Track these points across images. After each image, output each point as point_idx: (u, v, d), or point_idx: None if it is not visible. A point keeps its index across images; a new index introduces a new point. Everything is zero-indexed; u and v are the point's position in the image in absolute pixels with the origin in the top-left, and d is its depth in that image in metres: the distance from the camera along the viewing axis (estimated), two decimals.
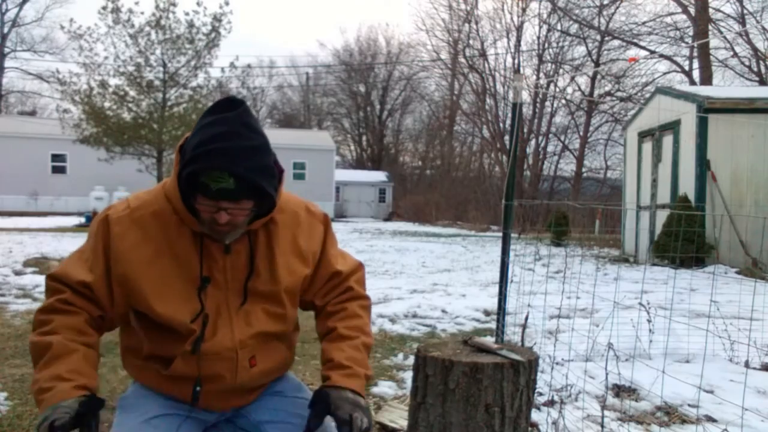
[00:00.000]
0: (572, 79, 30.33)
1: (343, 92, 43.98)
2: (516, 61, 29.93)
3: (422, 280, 7.62)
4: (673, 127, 10.01)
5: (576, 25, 26.86)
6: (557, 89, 29.90)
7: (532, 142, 31.00)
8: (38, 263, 7.64)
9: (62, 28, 18.10)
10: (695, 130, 9.31)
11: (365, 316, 1.58)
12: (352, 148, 46.33)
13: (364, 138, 45.74)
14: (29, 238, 12.44)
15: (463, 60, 32.57)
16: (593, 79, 28.22)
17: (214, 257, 1.42)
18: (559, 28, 28.22)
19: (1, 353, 3.78)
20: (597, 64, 27.43)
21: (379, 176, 36.44)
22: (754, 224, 8.35)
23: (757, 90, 13.44)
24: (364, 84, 43.32)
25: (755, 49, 20.72)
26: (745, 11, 21.08)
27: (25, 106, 39.92)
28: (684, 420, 2.71)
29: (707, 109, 9.18)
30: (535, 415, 2.66)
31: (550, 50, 29.72)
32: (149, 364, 1.48)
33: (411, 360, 3.72)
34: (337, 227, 22.19)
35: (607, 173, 29.90)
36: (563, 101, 30.30)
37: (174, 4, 18.01)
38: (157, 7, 17.83)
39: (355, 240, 15.39)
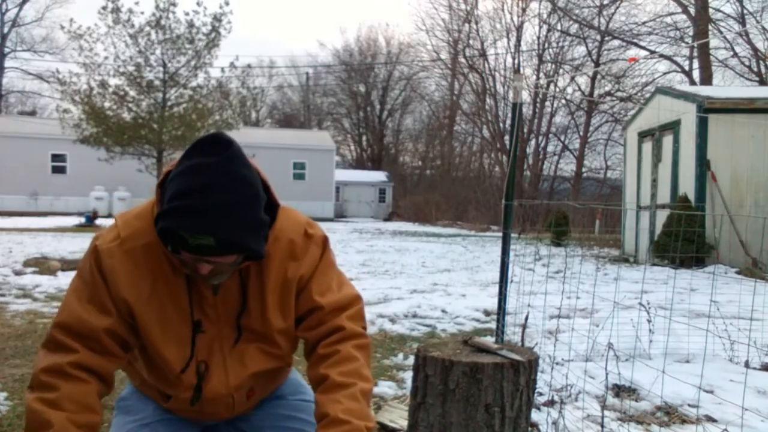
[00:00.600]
0: (572, 79, 30.36)
1: (343, 92, 44.01)
2: (516, 61, 29.96)
3: (422, 280, 7.62)
4: (673, 127, 10.01)
5: (576, 25, 26.87)
6: (557, 89, 29.92)
7: (532, 142, 31.01)
8: (38, 263, 7.64)
9: (62, 28, 18.09)
10: (695, 130, 9.31)
11: (362, 358, 1.39)
12: (352, 148, 46.38)
13: (364, 138, 45.78)
14: (29, 238, 12.44)
15: (463, 60, 32.60)
16: (593, 79, 28.22)
17: (204, 295, 1.34)
18: (559, 28, 28.23)
19: (1, 353, 3.78)
20: (597, 64, 27.44)
21: (379, 176, 36.45)
22: (754, 224, 8.35)
23: (757, 90, 13.44)
24: (364, 84, 43.33)
25: (755, 49, 20.72)
26: (745, 11, 21.09)
27: (25, 106, 39.94)
28: (684, 420, 2.71)
29: (707, 109, 9.18)
30: (535, 415, 2.66)
31: (550, 50, 29.75)
32: (149, 385, 1.46)
33: (411, 360, 3.72)
34: (337, 227, 22.20)
35: (607, 173, 29.92)
36: (563, 101, 30.33)
37: (174, 4, 18.01)
38: (157, 7, 17.83)
39: (355, 240, 15.39)
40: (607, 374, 2.54)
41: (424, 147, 42.89)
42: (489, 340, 1.84)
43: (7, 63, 37.37)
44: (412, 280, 7.70)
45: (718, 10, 21.41)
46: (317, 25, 76.61)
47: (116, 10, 17.60)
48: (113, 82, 18.24)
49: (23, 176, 25.29)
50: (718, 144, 9.24)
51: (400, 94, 43.48)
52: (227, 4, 18.31)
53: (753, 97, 9.54)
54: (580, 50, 28.90)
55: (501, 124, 30.50)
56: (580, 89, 31.12)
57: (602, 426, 2.40)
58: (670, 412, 2.78)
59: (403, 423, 2.54)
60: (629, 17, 30.14)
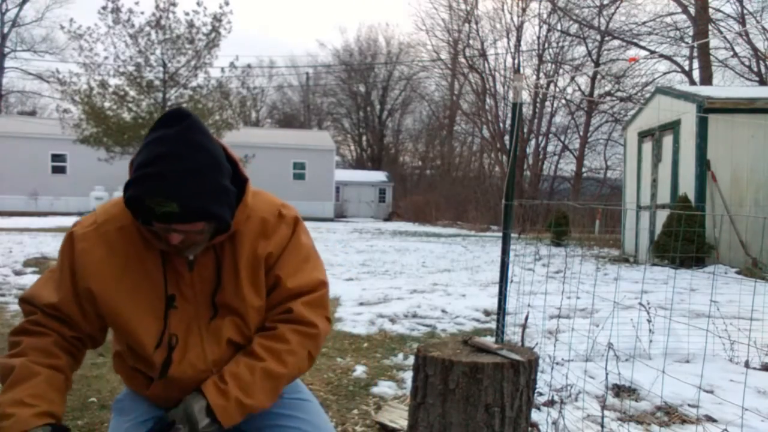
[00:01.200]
0: (572, 79, 30.35)
1: (343, 92, 44.03)
2: (516, 61, 29.95)
3: (422, 280, 7.62)
4: (673, 127, 10.01)
5: (576, 25, 26.86)
6: (557, 89, 29.92)
7: (532, 142, 31.00)
8: (38, 263, 7.64)
9: (62, 28, 18.08)
10: (695, 130, 9.31)
11: (294, 343, 1.38)
12: (352, 148, 46.40)
13: (364, 138, 45.79)
14: (29, 238, 12.44)
15: (463, 60, 32.60)
16: (593, 79, 28.22)
17: (180, 272, 1.38)
18: (559, 28, 28.23)
19: (1, 353, 3.77)
20: (597, 64, 27.44)
21: (379, 176, 36.46)
22: (754, 224, 8.35)
23: (757, 90, 13.43)
24: (364, 84, 43.35)
25: (755, 49, 20.71)
26: (745, 11, 21.08)
27: (25, 106, 39.96)
28: (684, 420, 2.71)
29: (707, 109, 9.18)
30: (535, 415, 2.66)
31: (550, 50, 29.74)
32: (136, 373, 1.47)
33: (411, 360, 3.72)
34: (337, 227, 22.20)
35: (607, 173, 29.92)
36: (563, 101, 30.33)
37: (174, 4, 18.00)
38: (157, 7, 17.83)
39: (355, 240, 15.39)
40: (607, 374, 2.54)
41: (424, 147, 42.95)
42: (489, 340, 1.84)
43: (7, 63, 37.42)
44: (412, 280, 7.70)
45: (718, 10, 21.43)
46: (317, 25, 76.66)
47: (116, 10, 17.60)
48: (113, 82, 18.25)
49: (23, 176, 25.29)
50: (718, 144, 9.24)
51: (400, 94, 43.54)
52: (227, 4, 18.30)
53: (753, 97, 9.54)
54: (580, 50, 28.94)
55: (501, 124, 30.51)
56: (580, 89, 31.16)
57: (602, 426, 2.40)
58: (670, 412, 2.78)
59: (403, 423, 2.54)
60: (629, 17, 30.22)
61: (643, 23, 24.09)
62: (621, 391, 3.06)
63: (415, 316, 5.27)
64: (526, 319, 3.46)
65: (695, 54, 22.69)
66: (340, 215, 32.45)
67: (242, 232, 1.40)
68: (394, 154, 44.63)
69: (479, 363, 1.63)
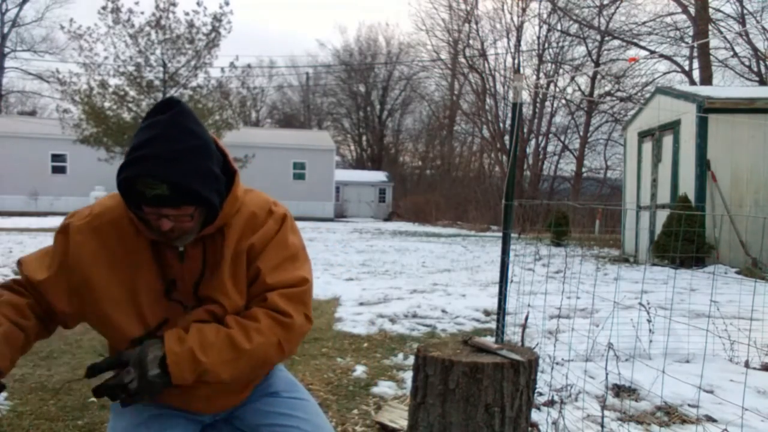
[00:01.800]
0: (572, 79, 30.36)
1: (343, 92, 44.03)
2: (516, 61, 29.96)
3: (422, 280, 7.62)
4: (673, 127, 10.01)
5: (576, 25, 26.87)
6: (557, 89, 29.92)
7: (532, 142, 31.01)
8: None
9: (62, 28, 18.11)
10: (695, 130, 9.31)
11: (264, 325, 1.36)
12: (352, 148, 46.40)
13: (364, 138, 45.79)
14: (29, 238, 12.44)
15: (463, 60, 32.61)
16: (593, 79, 28.22)
17: (170, 264, 1.39)
18: (559, 28, 28.24)
19: None
20: (597, 64, 27.44)
21: (379, 176, 36.46)
22: (754, 224, 8.35)
23: (757, 90, 13.44)
24: (364, 84, 43.36)
25: (755, 49, 20.72)
26: (745, 11, 21.09)
27: (25, 106, 39.95)
28: (684, 420, 2.71)
29: (707, 109, 9.18)
30: (535, 415, 2.66)
31: (550, 50, 29.75)
32: None
33: (411, 360, 3.72)
34: (337, 227, 22.20)
35: (607, 173, 29.93)
36: (563, 101, 30.33)
37: (174, 4, 18.03)
38: (157, 7, 17.85)
39: (355, 240, 15.40)
40: (607, 374, 2.54)
41: (424, 147, 42.94)
42: (489, 340, 1.84)
43: (7, 63, 37.43)
44: (412, 280, 7.70)
45: (718, 10, 21.44)
46: (317, 25, 76.66)
47: (116, 10, 17.62)
48: (113, 82, 18.28)
49: (23, 176, 25.29)
50: (718, 144, 9.24)
51: (400, 94, 43.54)
52: (227, 4, 18.33)
53: (753, 97, 9.54)
54: (580, 50, 28.95)
55: (501, 124, 30.52)
56: (580, 89, 31.17)
57: (602, 426, 2.40)
58: (670, 412, 2.78)
59: (403, 423, 2.54)
60: (629, 17, 30.13)
61: (643, 23, 24.12)
62: (621, 391, 3.06)
63: (415, 316, 5.27)
64: (526, 319, 3.46)
65: (695, 54, 22.70)
66: (340, 215, 32.45)
67: (231, 225, 1.41)
68: (394, 154, 44.63)
69: (479, 363, 1.63)
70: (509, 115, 27.40)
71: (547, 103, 30.74)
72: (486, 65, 31.37)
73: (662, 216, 9.79)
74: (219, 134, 19.53)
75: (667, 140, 10.26)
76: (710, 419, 2.69)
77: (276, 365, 1.63)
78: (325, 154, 30.15)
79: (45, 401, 2.93)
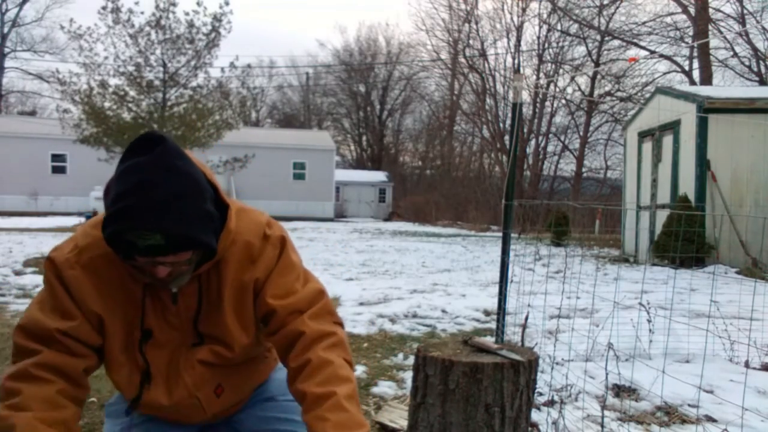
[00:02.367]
0: (572, 79, 30.35)
1: (343, 92, 44.03)
2: (516, 61, 29.95)
3: (422, 280, 7.62)
4: (673, 127, 10.01)
5: (576, 25, 26.86)
6: (557, 89, 29.91)
7: (532, 142, 31.00)
8: (38, 263, 7.64)
9: (62, 28, 18.08)
10: (695, 130, 9.31)
11: (336, 358, 1.30)
12: (352, 148, 46.39)
13: (364, 138, 45.79)
14: (29, 238, 12.44)
15: (463, 60, 32.59)
16: (593, 79, 28.21)
17: (164, 301, 1.33)
18: (559, 28, 28.23)
19: (1, 353, 3.77)
20: (597, 64, 27.43)
21: (379, 176, 36.46)
22: (754, 224, 8.35)
23: (757, 90, 13.44)
24: (364, 84, 43.35)
25: (755, 49, 20.71)
26: (745, 11, 21.08)
27: (25, 106, 39.94)
28: (684, 420, 2.71)
29: (707, 109, 9.18)
30: (535, 415, 2.66)
31: (550, 50, 29.73)
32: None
33: (411, 360, 3.72)
34: (337, 227, 22.20)
35: (607, 173, 29.92)
36: (563, 101, 30.33)
37: (174, 4, 18.01)
38: (157, 7, 17.83)
39: (355, 240, 15.39)
40: (607, 374, 2.54)
41: (424, 147, 42.93)
42: (489, 340, 1.84)
43: (7, 63, 37.40)
44: (412, 280, 7.70)
45: (718, 10, 21.43)
46: (317, 25, 76.66)
47: (116, 10, 17.60)
48: (113, 82, 18.24)
49: (23, 176, 25.29)
50: (718, 144, 9.24)
51: (400, 94, 43.53)
52: (227, 4, 18.31)
53: (753, 97, 9.54)
54: (580, 50, 28.93)
55: (501, 124, 30.50)
56: (580, 89, 31.16)
57: (602, 426, 2.40)
58: (670, 412, 2.78)
59: (403, 423, 2.54)
60: (629, 17, 30.13)
61: (643, 23, 24.10)
62: (621, 391, 3.06)
63: (415, 316, 5.27)
64: (526, 319, 3.46)
65: (695, 54, 22.69)
66: (340, 215, 32.45)
67: (226, 258, 1.33)
68: (394, 154, 44.63)
69: (479, 363, 1.63)
70: (509, 115, 27.40)
71: (547, 103, 30.76)
72: (486, 65, 31.38)
73: (662, 216, 9.79)
74: (219, 134, 19.53)
75: (667, 140, 10.25)
76: (710, 419, 2.69)
77: (275, 367, 1.63)
78: (325, 154, 30.15)
79: None
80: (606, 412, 2.61)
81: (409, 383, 3.15)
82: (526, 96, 31.54)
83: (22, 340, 1.25)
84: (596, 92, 28.30)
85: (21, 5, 36.77)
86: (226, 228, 1.30)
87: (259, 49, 67.61)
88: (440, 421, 1.67)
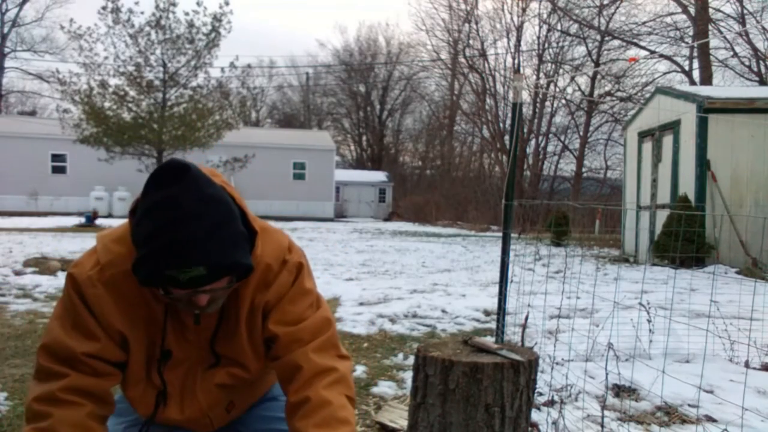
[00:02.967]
0: (572, 79, 30.35)
1: (343, 92, 44.05)
2: (516, 61, 29.95)
3: (422, 280, 7.62)
4: (673, 127, 10.01)
5: (576, 25, 26.87)
6: (557, 89, 29.92)
7: (532, 142, 31.01)
8: (38, 263, 7.64)
9: (62, 28, 18.09)
10: (695, 130, 9.31)
11: (336, 397, 1.29)
12: (352, 148, 46.41)
13: (364, 138, 45.80)
14: (29, 238, 12.44)
15: (463, 60, 32.59)
16: (593, 79, 28.22)
17: (185, 322, 1.32)
18: (559, 28, 28.23)
19: (1, 353, 3.78)
20: (597, 64, 27.44)
21: (379, 176, 36.47)
22: (754, 224, 8.35)
23: (757, 90, 13.44)
24: (364, 84, 43.37)
25: (755, 49, 20.72)
26: (745, 11, 21.08)
27: (25, 106, 39.97)
28: (684, 420, 2.71)
29: (707, 109, 9.18)
30: (535, 415, 2.66)
31: (550, 50, 29.74)
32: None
33: (411, 360, 3.72)
34: (337, 227, 22.20)
35: (607, 173, 29.94)
36: (563, 101, 30.33)
37: (174, 4, 18.02)
38: (157, 7, 17.84)
39: (355, 240, 15.40)
40: (607, 374, 2.54)
41: (424, 147, 42.96)
42: (489, 340, 1.84)
43: (7, 63, 37.41)
44: (412, 280, 7.70)
45: (718, 10, 21.43)
46: (317, 25, 76.68)
47: (116, 10, 17.61)
48: (113, 82, 18.27)
49: (23, 176, 25.30)
50: (718, 144, 9.24)
51: (400, 94, 43.55)
52: (227, 4, 18.32)
53: (753, 97, 9.54)
54: (580, 50, 28.94)
55: (501, 124, 30.51)
56: (580, 89, 31.17)
57: (602, 426, 2.40)
58: (670, 412, 2.78)
59: (403, 423, 2.54)
60: (629, 17, 30.10)
61: (643, 23, 24.11)
62: (621, 391, 3.06)
63: (415, 316, 5.27)
64: (526, 319, 3.46)
65: (695, 54, 22.69)
66: (340, 215, 32.45)
67: (246, 281, 1.32)
68: (394, 154, 44.64)
69: (479, 363, 1.63)
70: (509, 115, 27.41)
71: (547, 103, 30.77)
72: (486, 65, 31.39)
73: (662, 216, 9.79)
74: (219, 134, 19.54)
75: (667, 140, 10.26)
76: (710, 419, 2.69)
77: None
78: (325, 154, 30.16)
79: None
80: (606, 412, 2.61)
81: (409, 383, 3.15)
82: (526, 96, 31.57)
83: (47, 362, 1.24)
84: (596, 92, 28.31)
85: (21, 5, 36.81)
86: (254, 253, 1.29)
87: (259, 49, 67.62)
88: (440, 421, 1.67)
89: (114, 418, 1.48)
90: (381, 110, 44.31)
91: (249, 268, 1.23)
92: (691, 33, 22.40)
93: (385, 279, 7.76)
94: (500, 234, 3.97)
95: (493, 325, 4.55)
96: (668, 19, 23.32)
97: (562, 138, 31.51)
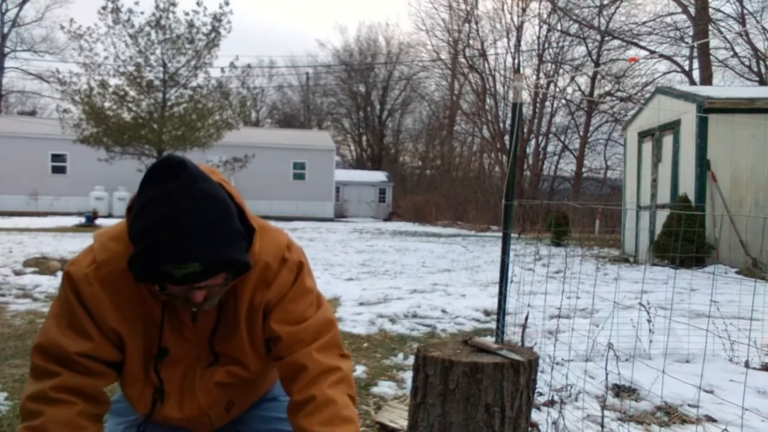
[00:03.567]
0: (572, 79, 30.35)
1: (343, 92, 44.05)
2: (516, 61, 29.94)
3: (422, 280, 7.62)
4: (673, 127, 10.01)
5: (576, 25, 26.87)
6: (557, 89, 29.92)
7: (532, 142, 31.01)
8: (38, 263, 7.64)
9: (62, 28, 18.10)
10: (695, 130, 9.31)
11: (340, 396, 1.30)
12: (352, 148, 46.41)
13: (364, 138, 45.80)
14: (29, 238, 12.44)
15: (463, 60, 32.60)
16: (593, 79, 28.22)
17: (182, 319, 1.32)
18: (559, 28, 28.23)
19: (1, 353, 3.78)
20: (597, 64, 27.43)
21: (379, 176, 36.47)
22: (754, 224, 8.35)
23: (757, 90, 13.43)
24: (364, 84, 43.36)
25: (755, 49, 20.72)
26: (745, 11, 21.09)
27: (25, 106, 39.96)
28: (684, 420, 2.70)
29: (707, 109, 9.18)
30: (535, 415, 2.66)
31: (550, 50, 29.73)
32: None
33: (411, 360, 3.72)
34: (337, 227, 22.20)
35: (607, 173, 29.93)
36: (563, 101, 30.33)
37: (174, 4, 18.02)
38: (157, 7, 17.84)
39: (355, 240, 15.40)
40: (607, 374, 2.54)
41: (424, 147, 42.95)
42: (489, 340, 1.84)
43: (7, 63, 37.42)
44: (412, 280, 7.70)
45: (718, 10, 21.43)
46: (317, 25, 76.66)
47: (116, 10, 17.61)
48: (113, 82, 18.26)
49: (23, 176, 25.30)
50: (718, 144, 9.24)
51: (400, 94, 43.54)
52: (227, 4, 18.32)
53: (753, 97, 9.54)
54: (580, 50, 28.94)
55: (501, 124, 30.51)
56: (580, 89, 31.16)
57: (602, 426, 2.40)
58: (670, 412, 2.78)
59: (403, 423, 2.54)
60: (629, 17, 30.06)
61: (643, 23, 24.11)
62: (621, 391, 3.06)
63: (415, 316, 5.27)
64: (526, 319, 3.46)
65: (695, 54, 22.69)
66: (340, 215, 32.45)
67: (245, 279, 1.32)
68: (394, 154, 44.64)
69: (479, 363, 1.63)
70: (509, 115, 27.41)
71: (547, 103, 30.76)
72: (486, 65, 31.38)
73: (662, 216, 9.79)
74: (219, 134, 19.54)
75: (667, 140, 10.26)
76: (710, 419, 2.69)
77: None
78: (325, 154, 30.16)
79: None
80: (606, 412, 2.61)
81: (409, 383, 3.15)
82: (526, 96, 31.57)
83: (40, 360, 1.25)
84: (596, 92, 28.31)
85: (21, 5, 36.81)
86: (251, 251, 1.29)
87: (259, 49, 67.62)
88: (440, 421, 1.67)
89: (114, 418, 1.49)
90: (381, 110, 44.32)
91: (245, 265, 1.23)
92: (691, 33, 22.40)
93: (385, 279, 7.76)
94: (500, 234, 3.98)
95: (493, 325, 4.54)
96: (668, 19, 23.35)
97: (562, 138, 31.53)
